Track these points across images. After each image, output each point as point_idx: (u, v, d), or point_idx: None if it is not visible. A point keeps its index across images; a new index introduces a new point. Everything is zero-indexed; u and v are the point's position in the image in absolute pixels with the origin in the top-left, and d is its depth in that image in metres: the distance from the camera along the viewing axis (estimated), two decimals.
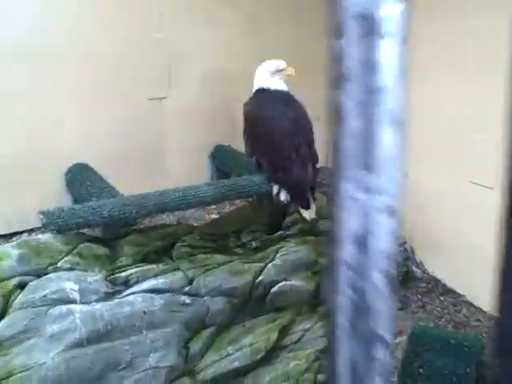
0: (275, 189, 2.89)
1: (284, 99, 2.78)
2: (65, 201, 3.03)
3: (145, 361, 2.29)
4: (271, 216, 3.03)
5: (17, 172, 2.93)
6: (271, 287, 2.67)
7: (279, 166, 2.78)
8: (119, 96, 3.17)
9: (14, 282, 2.24)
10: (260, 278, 2.64)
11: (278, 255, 2.76)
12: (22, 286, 2.24)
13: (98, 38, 3.02)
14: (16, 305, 2.17)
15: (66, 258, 2.39)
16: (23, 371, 2.05)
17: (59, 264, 2.36)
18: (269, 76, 2.80)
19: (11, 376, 2.02)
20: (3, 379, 2.01)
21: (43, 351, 2.10)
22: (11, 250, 2.33)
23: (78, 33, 2.96)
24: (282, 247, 2.81)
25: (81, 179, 2.94)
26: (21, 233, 2.93)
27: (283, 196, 2.88)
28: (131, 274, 2.44)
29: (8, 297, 2.20)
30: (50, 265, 2.35)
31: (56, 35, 2.90)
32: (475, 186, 2.92)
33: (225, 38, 3.46)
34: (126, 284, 2.42)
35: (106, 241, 2.60)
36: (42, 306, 2.19)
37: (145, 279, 2.44)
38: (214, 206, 3.32)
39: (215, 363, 2.45)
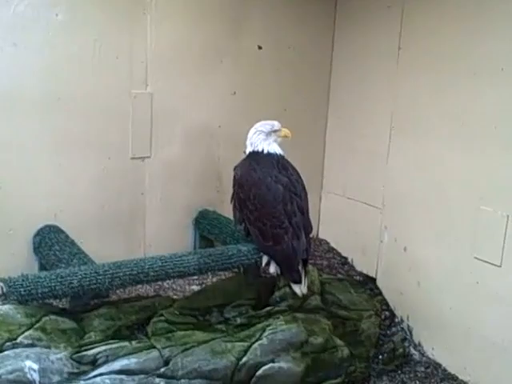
0: (264, 260, 2.82)
1: (278, 163, 2.76)
2: (32, 266, 2.90)
3: None
4: (259, 290, 2.93)
5: None
6: (256, 370, 2.55)
7: (270, 236, 2.72)
8: (97, 154, 3.09)
9: None
10: (244, 359, 2.53)
11: (265, 334, 2.65)
12: None
13: (74, 91, 2.95)
14: None
15: (26, 333, 2.25)
16: None
17: (19, 339, 2.23)
18: (262, 137, 2.78)
19: None
20: None
21: None
22: None
23: (55, 86, 2.89)
24: (269, 325, 2.70)
25: (50, 243, 2.82)
26: None
27: (273, 268, 2.81)
28: (100, 351, 2.31)
29: None
30: (9, 340, 2.21)
31: (31, 87, 2.83)
32: (480, 263, 2.83)
33: (215, 94, 3.43)
34: (94, 363, 2.29)
35: (73, 313, 2.47)
36: None
37: (115, 358, 2.31)
38: (195, 277, 3.19)
39: None
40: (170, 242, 3.35)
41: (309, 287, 2.89)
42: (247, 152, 2.83)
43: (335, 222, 3.87)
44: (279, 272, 2.82)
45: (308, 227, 2.81)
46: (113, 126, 3.11)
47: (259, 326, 2.70)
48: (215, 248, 2.96)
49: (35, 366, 2.14)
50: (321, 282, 3.16)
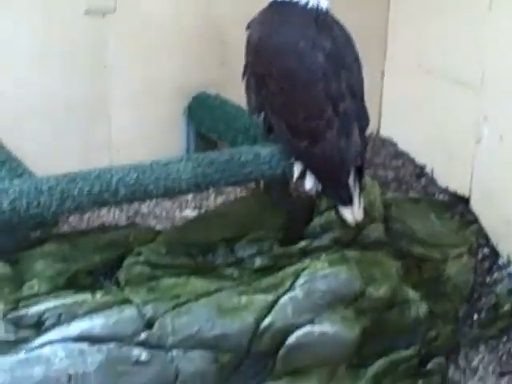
0: (297, 170, 2.82)
1: (317, 19, 2.70)
2: None
3: None
4: (289, 215, 2.96)
5: None
6: (286, 336, 2.58)
7: (304, 131, 2.71)
8: (31, 9, 3.06)
9: None
10: (267, 320, 2.56)
11: (300, 282, 2.66)
12: None
13: None
14: None
15: None
16: None
17: None
18: None
19: None
20: None
21: None
22: None
23: None
24: (305, 268, 2.71)
25: None
26: None
27: (310, 182, 2.82)
28: (48, 309, 2.34)
29: None
30: None
31: None
32: None
33: None
34: (40, 327, 2.32)
35: (5, 252, 2.51)
36: None
37: (71, 319, 2.34)
38: (190, 196, 3.24)
39: None
40: (150, 143, 3.38)
41: (365, 211, 2.89)
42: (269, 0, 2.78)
43: (406, 110, 3.85)
44: (319, 188, 2.83)
45: (363, 118, 2.80)
46: None
47: (290, 269, 2.72)
48: (220, 151, 2.95)
49: None
50: (384, 203, 3.16)
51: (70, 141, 3.26)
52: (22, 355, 2.23)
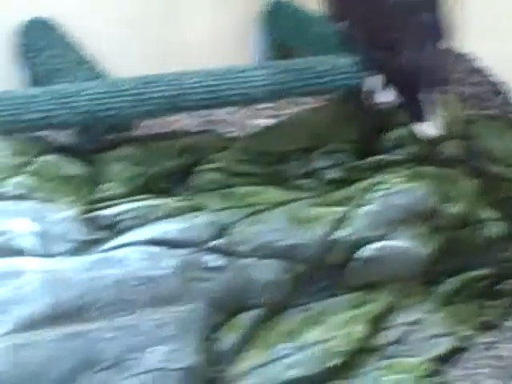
0: (372, 82, 2.77)
1: None
2: (14, 81, 2.98)
3: (142, 358, 2.25)
4: (363, 128, 2.92)
5: None
6: (358, 249, 2.59)
7: (381, 43, 2.65)
8: None
9: None
10: (340, 232, 2.56)
11: (374, 196, 2.66)
12: None
13: None
14: None
15: (15, 179, 2.33)
16: None
17: (4, 188, 2.30)
18: None
19: None
20: None
21: None
22: None
23: None
24: (380, 182, 2.70)
25: (40, 46, 2.85)
26: None
27: (385, 95, 2.77)
28: (124, 211, 2.37)
29: None
30: None
31: None
32: None
33: None
34: (115, 228, 2.36)
35: (82, 153, 2.53)
36: None
37: (146, 222, 2.38)
38: (265, 105, 3.18)
39: (259, 369, 2.40)
40: (225, 49, 3.37)
41: (441, 127, 2.79)
42: None
43: (486, 25, 3.75)
44: (395, 102, 2.75)
45: (441, 32, 2.74)
46: None
47: (364, 183, 2.70)
48: (295, 61, 2.94)
49: (30, 228, 2.22)
50: (461, 120, 3.10)
51: (146, 42, 3.28)
52: (96, 256, 2.28)
